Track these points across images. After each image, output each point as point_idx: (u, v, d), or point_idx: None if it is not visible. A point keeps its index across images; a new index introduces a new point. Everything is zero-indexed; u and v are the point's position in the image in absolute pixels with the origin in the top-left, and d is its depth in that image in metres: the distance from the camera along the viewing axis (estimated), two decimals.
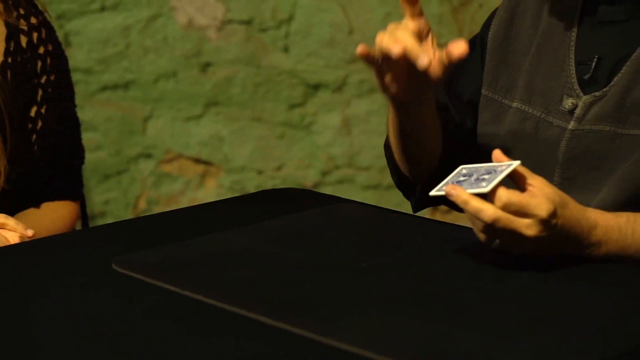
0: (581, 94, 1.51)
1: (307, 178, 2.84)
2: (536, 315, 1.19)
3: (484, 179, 1.31)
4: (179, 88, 2.81)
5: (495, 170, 1.31)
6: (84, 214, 1.91)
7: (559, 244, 1.32)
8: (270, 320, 1.17)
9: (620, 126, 1.48)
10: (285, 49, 2.78)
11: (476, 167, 1.34)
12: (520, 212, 1.29)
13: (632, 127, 1.47)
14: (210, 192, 2.85)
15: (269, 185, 2.82)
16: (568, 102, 1.52)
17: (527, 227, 1.29)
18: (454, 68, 1.63)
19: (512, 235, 1.29)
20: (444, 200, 1.36)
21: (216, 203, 1.79)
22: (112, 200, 2.87)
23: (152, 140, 2.85)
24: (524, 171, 1.32)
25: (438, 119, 1.58)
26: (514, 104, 1.57)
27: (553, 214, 1.29)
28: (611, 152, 1.48)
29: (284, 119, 2.81)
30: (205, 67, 2.80)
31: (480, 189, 1.28)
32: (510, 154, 1.54)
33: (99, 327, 1.18)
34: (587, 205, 1.37)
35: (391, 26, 1.41)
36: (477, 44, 1.65)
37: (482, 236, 1.31)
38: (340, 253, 1.39)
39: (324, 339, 1.13)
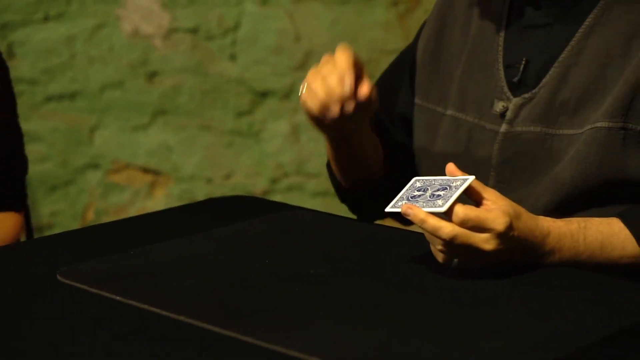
0: (511, 97, 1.53)
1: (256, 186, 2.83)
2: (487, 320, 1.20)
3: (439, 196, 1.31)
4: (126, 97, 2.79)
5: (450, 186, 1.31)
6: (28, 226, 1.88)
7: (514, 254, 1.33)
8: (217, 329, 1.16)
9: (550, 126, 1.50)
10: (232, 57, 2.77)
11: (430, 180, 1.34)
12: (478, 227, 1.29)
13: (562, 127, 1.49)
14: (159, 202, 2.83)
15: (218, 193, 2.81)
16: (499, 105, 1.53)
17: (485, 241, 1.30)
18: (386, 86, 1.66)
19: (471, 250, 1.30)
20: (396, 215, 1.36)
21: (164, 212, 1.78)
22: (59, 212, 2.84)
23: (100, 151, 2.82)
24: (477, 185, 1.32)
25: (376, 139, 1.60)
26: (448, 112, 1.59)
27: (509, 227, 1.30)
28: (543, 152, 1.50)
29: (232, 127, 2.81)
30: (152, 76, 2.78)
31: (437, 208, 1.29)
32: (445, 161, 1.56)
33: (42, 337, 1.16)
34: (522, 206, 1.38)
35: (323, 61, 1.45)
36: (406, 56, 1.67)
37: (440, 256, 1.31)
38: (288, 260, 1.39)
39: (272, 346, 1.12)
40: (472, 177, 1.32)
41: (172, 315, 1.20)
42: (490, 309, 1.23)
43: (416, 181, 1.35)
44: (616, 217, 1.42)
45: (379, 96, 1.64)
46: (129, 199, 2.84)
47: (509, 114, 1.52)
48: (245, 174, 2.83)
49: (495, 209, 1.31)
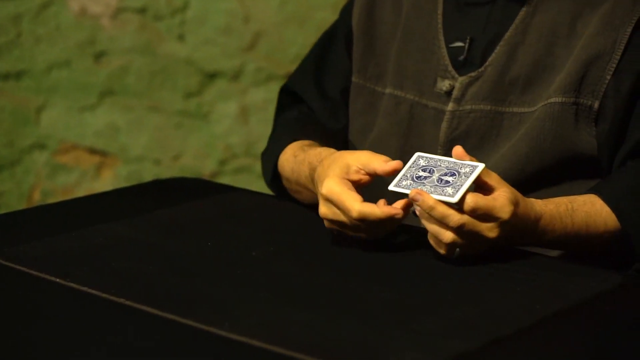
0: (457, 75, 1.53)
1: (205, 167, 2.82)
2: (421, 302, 1.20)
3: (448, 182, 1.30)
4: (73, 77, 2.76)
5: (458, 172, 1.31)
6: None
7: (512, 239, 1.34)
8: (157, 311, 1.16)
9: (500, 105, 1.50)
10: (181, 38, 2.75)
11: (435, 160, 1.33)
12: (485, 216, 1.30)
13: (511, 105, 1.50)
14: (106, 183, 2.81)
15: (166, 175, 2.79)
16: (445, 84, 1.53)
17: (490, 230, 1.31)
18: (321, 64, 1.64)
19: (475, 238, 1.30)
20: (395, 194, 1.34)
21: (110, 193, 1.76)
22: (5, 193, 2.81)
23: (46, 131, 2.79)
24: (482, 172, 1.32)
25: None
26: (387, 90, 1.58)
27: (513, 215, 1.31)
28: (493, 130, 1.51)
29: (180, 108, 2.79)
30: (100, 56, 2.76)
31: (447, 198, 1.28)
32: (388, 142, 1.55)
33: None
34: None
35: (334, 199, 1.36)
36: (337, 33, 1.65)
37: (443, 246, 1.31)
38: (231, 242, 1.38)
39: (211, 329, 1.12)
40: (482, 165, 1.31)
41: (112, 297, 1.19)
42: (429, 290, 1.24)
43: (419, 158, 1.34)
44: (594, 193, 1.44)
45: (313, 77, 1.63)
46: (76, 180, 2.82)
47: (455, 93, 1.52)
48: (194, 156, 2.81)
49: (501, 197, 1.31)
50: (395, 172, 1.35)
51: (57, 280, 1.24)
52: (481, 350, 1.09)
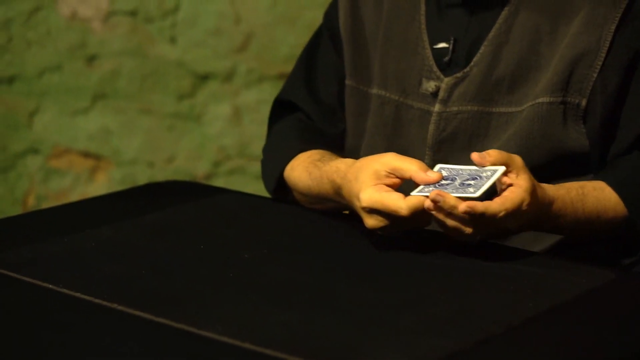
0: (442, 76, 1.53)
1: (198, 169, 2.82)
2: (404, 300, 1.21)
3: (470, 185, 1.31)
4: (65, 81, 2.76)
5: (480, 176, 1.32)
6: None
7: (528, 226, 1.36)
8: (149, 315, 1.16)
9: (486, 105, 1.51)
10: (172, 40, 2.75)
11: (457, 170, 1.34)
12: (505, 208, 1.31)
13: (498, 105, 1.51)
14: (100, 186, 2.81)
15: (160, 177, 2.80)
16: (430, 85, 1.53)
17: (509, 222, 1.32)
18: (312, 71, 1.64)
19: (495, 230, 1.32)
20: None
21: (101, 198, 1.77)
22: None
23: (39, 135, 2.79)
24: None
25: None
26: (373, 91, 1.58)
27: (529, 204, 1.32)
28: (480, 131, 1.51)
29: (173, 111, 2.79)
30: (91, 59, 2.76)
31: (468, 194, 1.29)
32: (377, 143, 1.56)
33: None
34: None
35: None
36: (324, 37, 1.65)
37: (465, 235, 1.31)
38: (223, 245, 1.39)
39: (204, 332, 1.12)
40: (502, 168, 1.32)
41: (103, 302, 1.19)
42: (412, 288, 1.24)
43: (441, 169, 1.34)
44: (602, 180, 1.45)
45: (305, 85, 1.62)
46: (70, 184, 2.82)
47: (441, 94, 1.52)
48: (187, 158, 2.81)
49: (520, 188, 1.32)
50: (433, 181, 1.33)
51: (48, 285, 1.24)
52: (468, 349, 1.09)
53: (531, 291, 1.24)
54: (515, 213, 1.31)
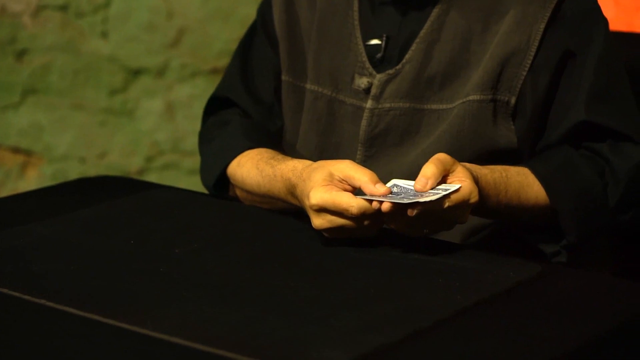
0: (374, 73, 1.54)
1: (131, 165, 2.80)
2: (342, 297, 1.21)
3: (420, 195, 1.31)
4: None
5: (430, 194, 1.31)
6: None
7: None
8: (78, 312, 1.15)
9: (418, 102, 1.52)
10: (104, 35, 2.73)
11: (408, 188, 1.33)
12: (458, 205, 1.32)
13: (430, 102, 1.52)
14: (31, 182, 2.78)
15: (92, 173, 2.78)
16: (363, 81, 1.54)
17: (462, 215, 1.33)
18: (248, 68, 1.63)
19: (447, 224, 1.33)
20: None
21: (31, 193, 1.75)
22: None
23: None
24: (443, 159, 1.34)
25: None
26: (307, 86, 1.59)
27: (476, 195, 1.34)
28: (412, 128, 1.52)
29: (105, 106, 2.77)
30: (21, 54, 2.73)
31: (416, 199, 1.29)
32: (312, 139, 1.56)
33: None
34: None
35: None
36: (258, 33, 1.65)
37: (412, 231, 1.32)
38: (154, 240, 1.38)
39: (134, 328, 1.12)
40: (455, 187, 1.32)
41: (32, 299, 1.19)
42: (350, 285, 1.25)
43: (394, 185, 1.34)
44: (526, 167, 1.46)
45: (242, 82, 1.62)
46: (0, 180, 2.79)
47: (374, 90, 1.53)
48: (120, 153, 2.80)
49: (467, 181, 1.33)
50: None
51: None
52: (400, 344, 1.10)
53: (460, 284, 1.26)
54: (462, 205, 1.32)
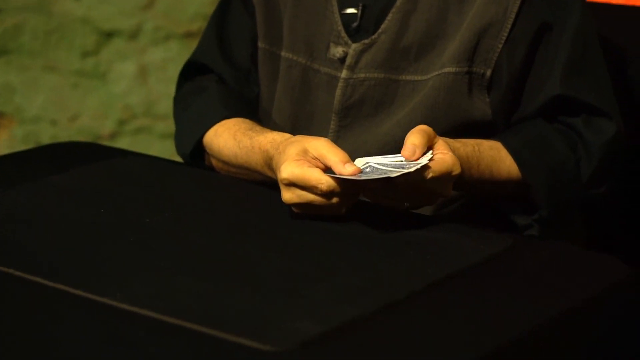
0: (350, 42, 1.53)
1: (103, 128, 2.78)
2: (313, 269, 1.21)
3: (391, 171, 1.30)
4: None
5: (403, 167, 1.30)
6: None
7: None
8: (46, 281, 1.14)
9: (393, 73, 1.51)
10: None
11: (380, 166, 1.32)
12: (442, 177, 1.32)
13: (405, 73, 1.51)
14: (2, 145, 2.76)
15: (63, 136, 2.75)
16: (338, 51, 1.53)
17: (446, 186, 1.33)
18: (224, 34, 1.61)
19: (424, 194, 1.33)
20: None
21: (2, 158, 1.73)
22: None
23: None
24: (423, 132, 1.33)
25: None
26: (283, 53, 1.58)
27: (458, 167, 1.34)
28: (387, 98, 1.52)
29: (77, 68, 2.74)
30: None
31: (387, 175, 1.28)
32: (286, 106, 1.55)
33: None
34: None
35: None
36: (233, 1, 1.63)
37: (393, 203, 1.32)
38: (124, 209, 1.37)
39: (101, 298, 1.11)
40: (425, 160, 1.30)
41: (3, 269, 1.17)
42: (321, 257, 1.25)
43: (367, 165, 1.33)
44: (499, 141, 1.45)
45: (218, 49, 1.60)
46: None
47: (349, 60, 1.52)
48: (92, 116, 2.77)
49: (446, 155, 1.32)
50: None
51: None
52: (372, 316, 1.10)
53: (431, 257, 1.25)
54: (445, 177, 1.31)
